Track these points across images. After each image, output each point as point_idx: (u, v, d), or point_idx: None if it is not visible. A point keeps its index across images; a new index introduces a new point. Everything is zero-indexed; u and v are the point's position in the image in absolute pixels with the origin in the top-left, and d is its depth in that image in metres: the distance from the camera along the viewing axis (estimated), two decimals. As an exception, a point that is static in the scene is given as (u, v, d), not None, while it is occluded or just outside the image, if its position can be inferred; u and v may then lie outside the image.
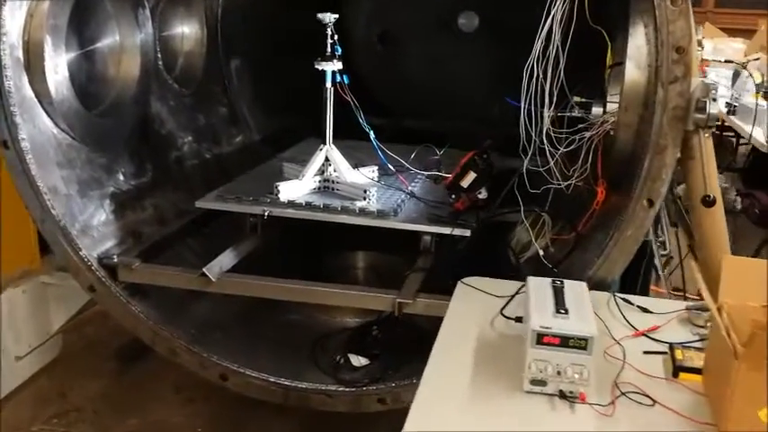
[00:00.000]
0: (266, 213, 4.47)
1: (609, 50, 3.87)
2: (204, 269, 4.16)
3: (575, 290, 2.97)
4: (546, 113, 3.84)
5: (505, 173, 4.52)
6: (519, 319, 3.14)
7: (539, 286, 3.00)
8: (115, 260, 4.32)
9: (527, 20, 7.68)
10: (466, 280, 3.68)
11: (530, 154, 3.89)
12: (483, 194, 4.45)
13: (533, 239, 4.46)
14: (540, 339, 2.65)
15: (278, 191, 4.55)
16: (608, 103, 4.25)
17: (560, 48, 3.76)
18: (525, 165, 3.92)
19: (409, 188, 4.85)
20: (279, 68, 7.18)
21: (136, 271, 4.30)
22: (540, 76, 3.81)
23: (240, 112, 6.55)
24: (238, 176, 5.18)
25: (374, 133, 4.77)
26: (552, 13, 3.65)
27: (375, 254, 5.75)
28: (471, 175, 4.33)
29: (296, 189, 4.64)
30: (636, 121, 3.67)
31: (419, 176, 5.15)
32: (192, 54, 5.99)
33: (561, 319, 2.71)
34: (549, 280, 3.05)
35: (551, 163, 3.94)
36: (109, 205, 4.63)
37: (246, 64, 6.69)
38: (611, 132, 4.09)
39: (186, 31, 5.96)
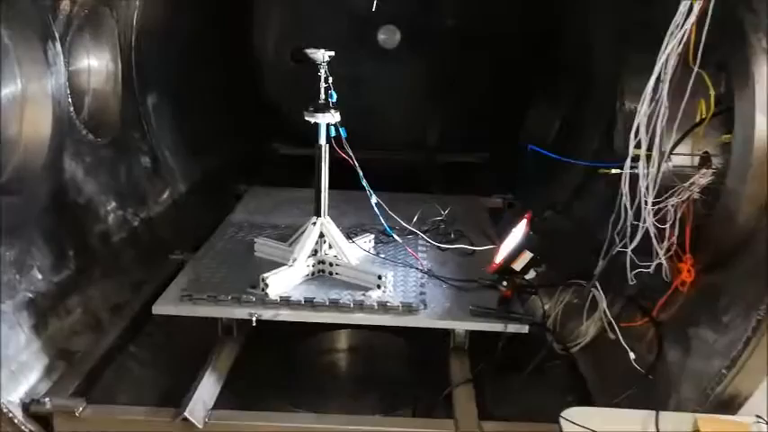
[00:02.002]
0: (255, 318, 3.25)
1: (711, 98, 2.96)
2: (186, 413, 2.90)
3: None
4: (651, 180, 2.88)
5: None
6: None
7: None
8: (48, 406, 2.96)
9: (451, 31, 7.03)
10: (569, 414, 2.66)
11: (637, 238, 2.92)
12: (531, 275, 3.45)
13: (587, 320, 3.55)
14: None
15: (265, 285, 3.33)
16: (683, 156, 3.38)
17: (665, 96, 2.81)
18: (629, 248, 2.93)
19: (423, 263, 3.76)
20: (200, 103, 5.89)
21: (82, 419, 2.96)
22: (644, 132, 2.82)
23: (163, 158, 5.21)
24: (195, 255, 3.89)
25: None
26: (664, 59, 2.68)
27: (358, 331, 4.60)
28: (527, 256, 3.32)
29: (287, 279, 3.44)
30: (764, 193, 2.78)
31: (422, 242, 4.09)
32: (103, 93, 4.60)
33: None
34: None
35: (653, 239, 3.00)
36: (27, 318, 3.26)
37: (165, 100, 5.36)
38: (697, 195, 3.22)
39: (95, 64, 4.56)
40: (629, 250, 3.00)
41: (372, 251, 3.89)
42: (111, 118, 4.63)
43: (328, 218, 3.61)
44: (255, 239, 3.86)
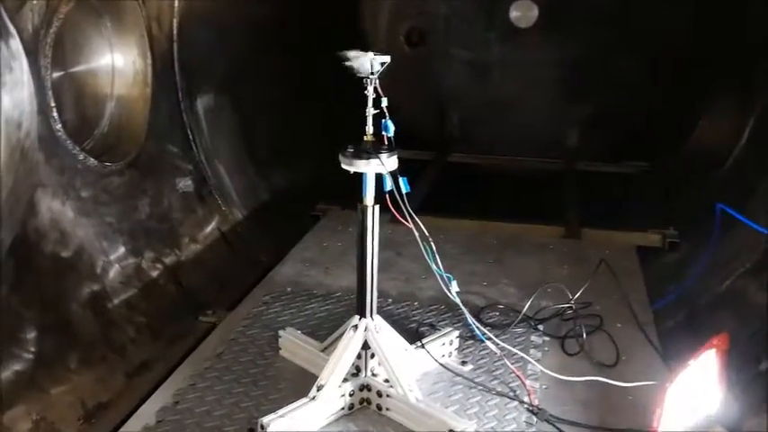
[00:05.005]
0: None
1: None
2: None
3: None
4: None
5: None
6: None
7: None
8: None
9: (601, 8, 5.34)
10: None
11: None
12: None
13: None
14: None
15: (266, 435, 2.01)
16: None
17: None
18: None
19: (533, 390, 2.29)
20: (275, 102, 4.64)
21: None
22: None
23: (215, 177, 4.02)
24: (195, 352, 2.63)
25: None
26: None
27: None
28: (716, 440, 1.77)
29: (303, 423, 2.09)
30: None
31: (536, 337, 2.62)
32: (128, 101, 3.46)
33: None
34: None
35: None
36: None
37: (223, 101, 4.19)
38: None
39: (119, 62, 3.44)
40: None
41: (453, 361, 2.47)
42: (135, 132, 3.48)
43: (379, 318, 2.22)
44: (281, 333, 2.52)
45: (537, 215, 4.25)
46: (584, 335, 2.60)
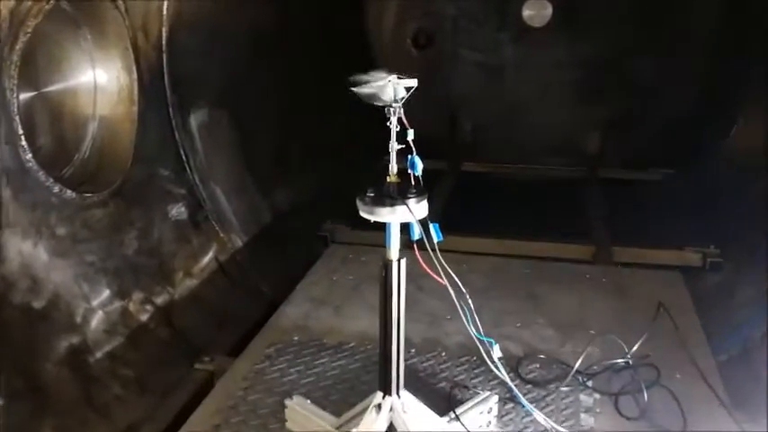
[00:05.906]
0: None
1: None
2: None
3: None
4: None
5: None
6: None
7: None
8: None
9: (619, 4, 4.97)
10: None
11: None
12: None
13: None
14: None
15: None
16: None
17: None
18: None
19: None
20: (273, 115, 4.24)
21: None
22: None
23: (211, 202, 3.61)
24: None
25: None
26: None
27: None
28: None
29: None
30: None
31: (585, 397, 2.22)
32: (112, 122, 3.07)
33: None
34: None
35: None
36: None
37: (219, 116, 3.77)
38: None
39: (102, 78, 3.06)
40: None
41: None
42: (120, 156, 3.09)
43: (406, 395, 1.82)
44: (288, 402, 2.12)
45: (561, 229, 3.93)
46: (645, 395, 2.20)
